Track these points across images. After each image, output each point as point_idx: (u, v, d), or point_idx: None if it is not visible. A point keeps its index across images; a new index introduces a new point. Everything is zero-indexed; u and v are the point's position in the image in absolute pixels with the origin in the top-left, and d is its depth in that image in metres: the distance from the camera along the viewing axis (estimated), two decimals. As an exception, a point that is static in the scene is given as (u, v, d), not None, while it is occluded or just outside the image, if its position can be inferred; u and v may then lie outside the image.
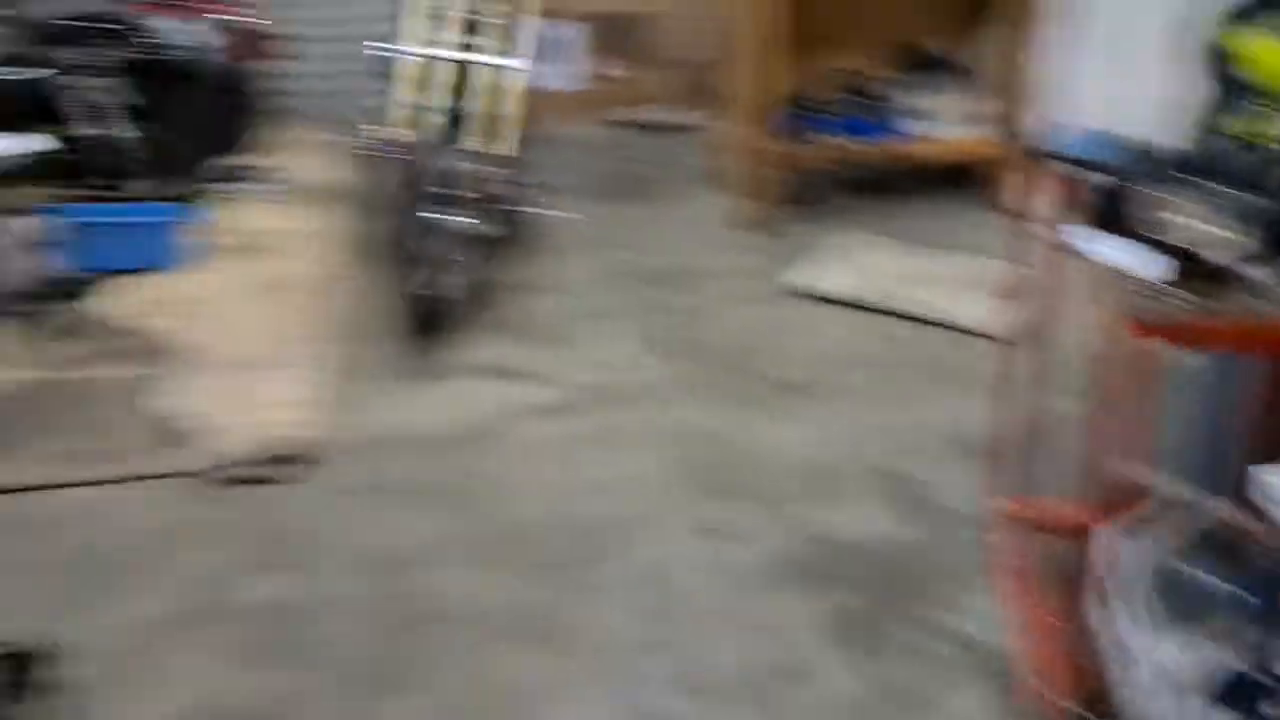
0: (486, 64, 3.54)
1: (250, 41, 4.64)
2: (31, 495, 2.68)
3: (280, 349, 3.30)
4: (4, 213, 3.25)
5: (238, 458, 2.74)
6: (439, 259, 3.31)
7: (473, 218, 3.39)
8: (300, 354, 3.29)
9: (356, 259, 3.97)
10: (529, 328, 3.62)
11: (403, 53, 3.51)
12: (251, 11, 4.90)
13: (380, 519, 2.62)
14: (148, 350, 3.22)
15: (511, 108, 3.57)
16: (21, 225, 3.34)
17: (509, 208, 3.71)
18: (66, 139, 3.63)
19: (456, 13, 3.56)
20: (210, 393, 3.02)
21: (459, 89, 3.51)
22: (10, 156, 3.03)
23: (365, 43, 3.55)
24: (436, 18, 3.57)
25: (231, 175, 4.23)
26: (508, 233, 3.75)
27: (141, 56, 3.83)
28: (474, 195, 3.41)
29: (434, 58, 3.52)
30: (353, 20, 5.81)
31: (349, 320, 3.58)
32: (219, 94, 4.16)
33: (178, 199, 3.77)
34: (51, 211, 3.44)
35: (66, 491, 2.69)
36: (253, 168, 4.41)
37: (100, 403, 2.98)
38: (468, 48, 3.55)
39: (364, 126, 3.52)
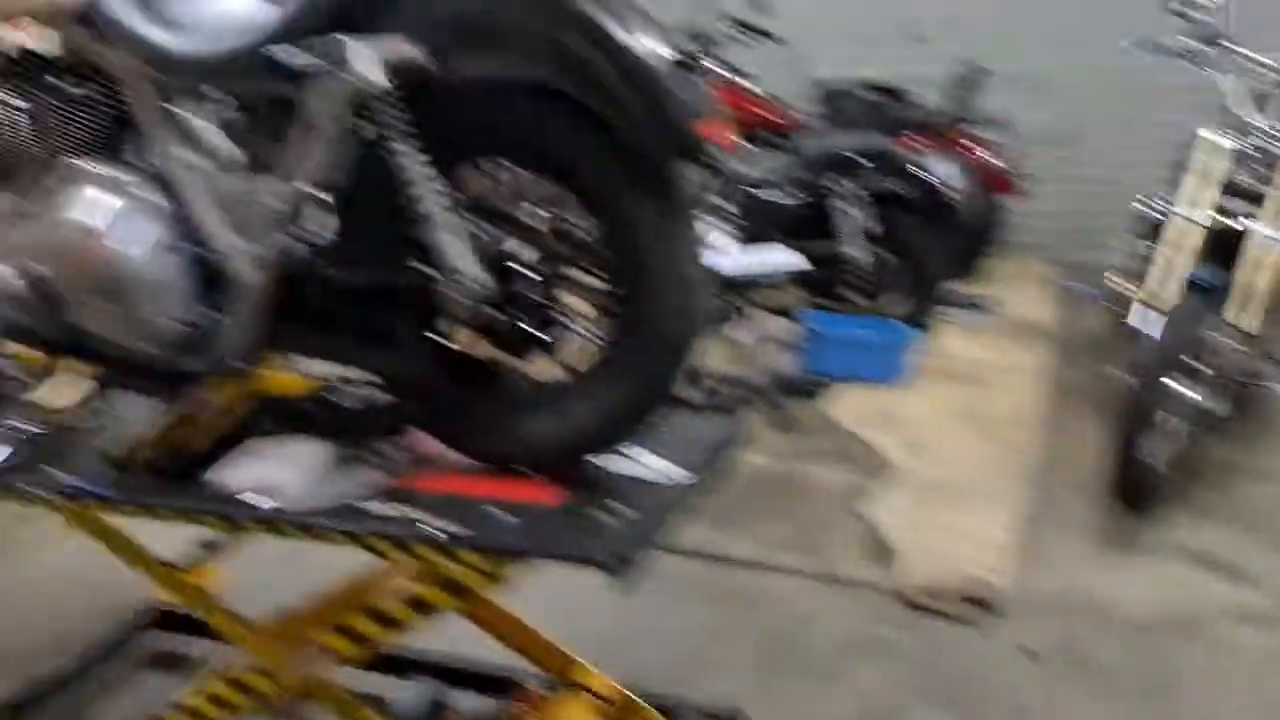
0: (1259, 234, 3.33)
1: (992, 178, 4.84)
2: (742, 570, 3.01)
3: (980, 481, 3.38)
4: (767, 312, 3.75)
5: (929, 587, 2.85)
6: (1161, 426, 3.17)
7: (1206, 389, 3.20)
8: (998, 490, 3.34)
9: (1062, 403, 3.93)
10: (1242, 517, 3.32)
11: (1169, 212, 3.44)
12: (996, 150, 5.11)
13: (1061, 690, 2.56)
14: (860, 459, 3.48)
15: (1267, 281, 3.32)
16: (777, 326, 3.81)
17: (1243, 383, 3.45)
18: (822, 255, 4.06)
19: (1230, 177, 3.41)
20: (911, 513, 3.18)
21: (1218, 256, 3.34)
22: (781, 269, 3.48)
23: (1137, 197, 3.53)
24: (1208, 180, 3.44)
25: (956, 302, 4.44)
26: (1235, 410, 3.49)
27: (898, 188, 4.17)
28: (1211, 367, 3.23)
29: (1199, 223, 3.40)
30: (1084, 164, 5.81)
31: (1047, 465, 3.56)
32: (959, 226, 4.39)
33: (907, 320, 4.05)
34: (799, 317, 3.88)
35: (771, 574, 2.99)
36: (974, 296, 4.58)
37: (814, 499, 3.28)
38: (1237, 215, 3.38)
39: (1109, 276, 3.49)
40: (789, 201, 4.22)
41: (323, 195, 1.65)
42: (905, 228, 4.17)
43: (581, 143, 1.53)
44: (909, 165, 4.31)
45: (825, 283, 4.11)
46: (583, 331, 1.67)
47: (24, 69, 1.83)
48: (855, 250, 4.11)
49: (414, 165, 1.52)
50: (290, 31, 1.56)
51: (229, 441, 1.88)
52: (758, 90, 5.08)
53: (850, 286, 4.13)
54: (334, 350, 1.77)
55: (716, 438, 1.93)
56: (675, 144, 1.46)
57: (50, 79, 1.80)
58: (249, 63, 1.59)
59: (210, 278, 1.73)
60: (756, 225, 4.17)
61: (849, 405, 3.85)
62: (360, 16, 1.53)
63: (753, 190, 4.21)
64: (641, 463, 1.78)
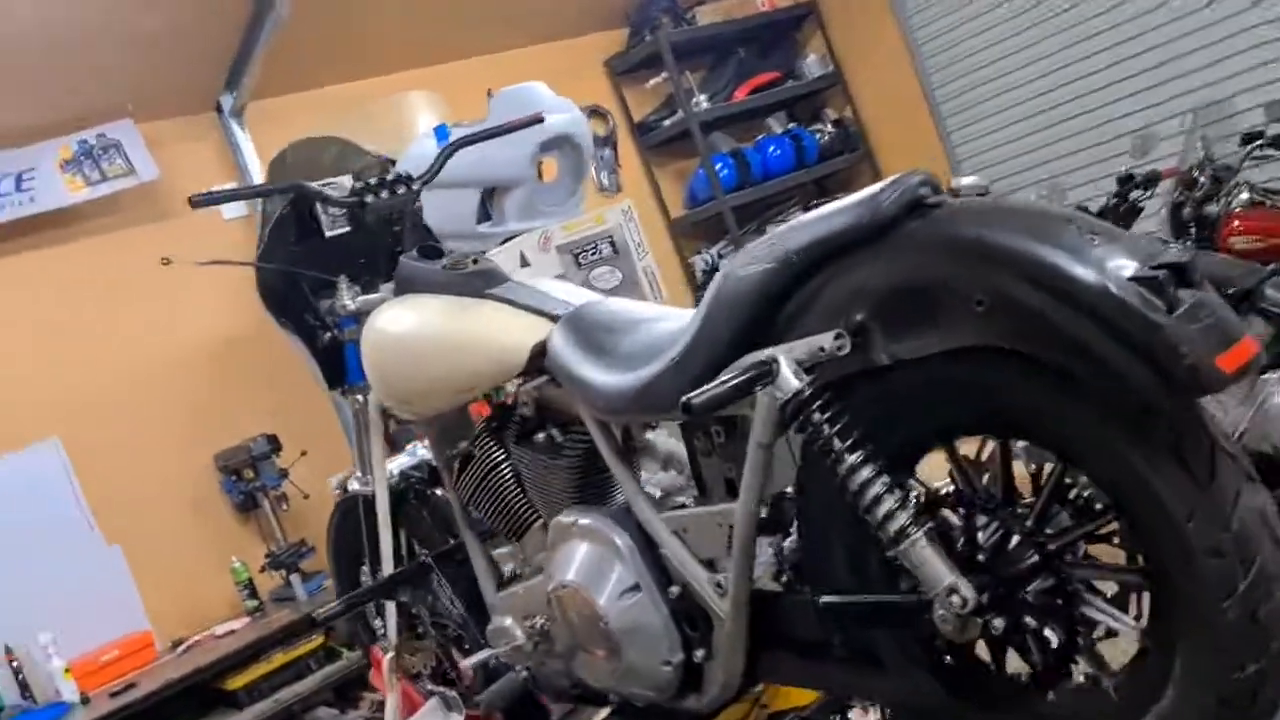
0: None
1: None
2: None
3: None
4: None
5: None
6: None
7: None
8: None
9: None
10: None
11: None
12: None
13: None
14: None
15: None
16: None
17: None
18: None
19: None
20: None
21: None
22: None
23: None
24: None
25: None
26: None
27: None
28: None
29: None
30: None
31: None
32: None
33: None
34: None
35: None
36: None
37: None
38: None
39: None
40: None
41: (779, 513, 1.50)
42: None
43: (1059, 406, 1.20)
44: None
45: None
46: (1115, 622, 1.30)
47: (518, 427, 1.91)
48: None
49: (860, 469, 1.29)
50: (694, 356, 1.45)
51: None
52: (1294, 206, 4.23)
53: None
54: (822, 678, 1.55)
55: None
56: (1180, 385, 1.10)
57: (535, 434, 1.86)
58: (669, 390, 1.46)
59: (689, 615, 1.62)
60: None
61: None
62: (768, 332, 1.37)
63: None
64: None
